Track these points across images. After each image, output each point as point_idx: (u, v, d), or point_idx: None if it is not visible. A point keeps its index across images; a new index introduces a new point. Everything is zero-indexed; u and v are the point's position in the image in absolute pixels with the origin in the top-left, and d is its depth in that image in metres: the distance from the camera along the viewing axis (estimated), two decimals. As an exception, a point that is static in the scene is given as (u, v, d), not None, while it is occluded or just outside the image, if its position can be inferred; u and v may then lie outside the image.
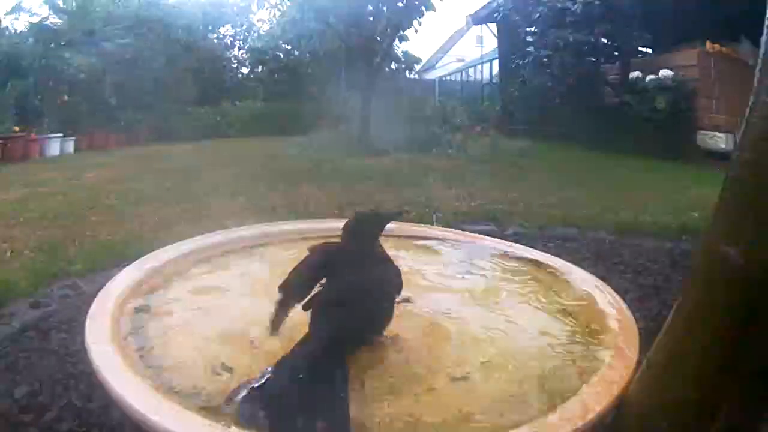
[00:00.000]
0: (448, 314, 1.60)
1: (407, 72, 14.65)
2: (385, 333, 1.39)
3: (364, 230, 1.47)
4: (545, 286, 1.83)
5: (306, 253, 1.43)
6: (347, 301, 1.30)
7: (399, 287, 1.43)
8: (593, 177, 6.17)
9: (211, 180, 5.56)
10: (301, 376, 1.10)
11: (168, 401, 1.07)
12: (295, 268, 1.38)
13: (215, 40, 13.95)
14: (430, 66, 21.03)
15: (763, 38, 1.02)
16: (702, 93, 7.94)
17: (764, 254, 1.00)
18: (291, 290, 1.33)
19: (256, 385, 1.09)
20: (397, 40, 9.95)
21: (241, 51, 14.40)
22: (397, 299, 1.45)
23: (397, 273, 1.45)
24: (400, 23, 8.62)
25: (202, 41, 13.03)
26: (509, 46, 10.90)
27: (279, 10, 13.28)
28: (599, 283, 1.76)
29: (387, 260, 1.47)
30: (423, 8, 8.31)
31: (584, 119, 8.58)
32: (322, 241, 1.53)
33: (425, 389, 1.23)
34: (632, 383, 1.18)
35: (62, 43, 10.36)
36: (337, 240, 1.47)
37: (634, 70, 8.69)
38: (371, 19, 8.74)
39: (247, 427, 0.99)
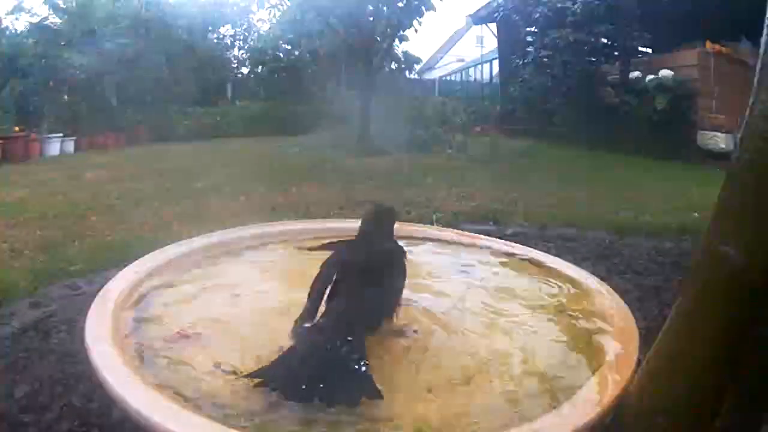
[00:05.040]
0: (446, 314, 1.60)
1: (407, 72, 14.64)
2: (394, 320, 1.43)
3: (379, 223, 1.57)
4: (545, 286, 1.83)
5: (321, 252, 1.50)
6: (359, 282, 1.38)
7: (405, 273, 1.49)
8: (593, 177, 6.17)
9: (211, 180, 5.56)
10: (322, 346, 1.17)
11: (168, 401, 1.07)
12: (318, 273, 1.44)
13: (215, 40, 13.95)
14: (430, 66, 21.02)
15: (763, 38, 1.02)
16: (702, 93, 7.94)
17: (764, 254, 1.00)
18: (315, 292, 1.39)
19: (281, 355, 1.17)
20: (397, 40, 9.94)
21: (241, 51, 14.41)
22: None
23: (403, 253, 1.53)
24: (400, 23, 8.63)
25: (202, 41, 13.01)
26: (509, 46, 10.91)
27: (279, 10, 13.27)
28: (599, 283, 1.76)
29: (395, 249, 1.54)
30: (423, 8, 8.32)
31: (584, 119, 8.59)
32: (338, 240, 1.59)
33: (423, 388, 1.23)
34: (632, 383, 1.18)
35: (62, 43, 10.36)
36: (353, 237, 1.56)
37: (634, 70, 8.69)
38: (371, 19, 8.74)
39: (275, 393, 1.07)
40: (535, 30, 9.39)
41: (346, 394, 1.08)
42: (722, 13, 7.30)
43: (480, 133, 10.38)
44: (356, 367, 1.13)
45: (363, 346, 1.20)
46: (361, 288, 1.37)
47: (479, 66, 15.99)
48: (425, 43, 31.38)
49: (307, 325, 1.29)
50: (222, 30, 14.13)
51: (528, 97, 9.78)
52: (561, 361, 1.36)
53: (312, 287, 1.40)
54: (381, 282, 1.41)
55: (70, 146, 9.08)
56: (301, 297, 1.62)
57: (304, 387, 1.08)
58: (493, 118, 11.47)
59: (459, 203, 4.57)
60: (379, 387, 1.12)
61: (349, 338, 1.20)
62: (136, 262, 1.77)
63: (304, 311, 1.35)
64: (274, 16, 13.65)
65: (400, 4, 8.46)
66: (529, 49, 9.44)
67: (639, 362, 1.24)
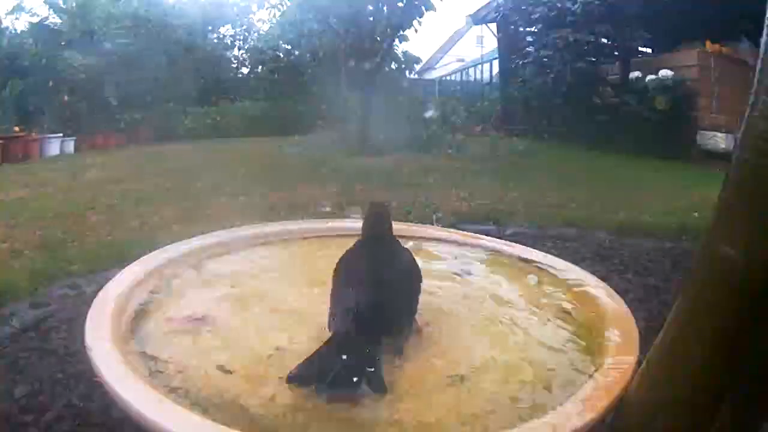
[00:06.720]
0: (447, 314, 1.60)
1: (407, 72, 14.63)
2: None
3: (382, 220, 1.58)
4: (545, 287, 1.83)
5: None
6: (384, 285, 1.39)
7: (420, 276, 1.53)
8: (593, 177, 6.17)
9: (211, 180, 5.56)
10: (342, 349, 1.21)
11: (168, 401, 1.07)
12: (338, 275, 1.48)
13: (215, 40, 13.94)
14: (430, 66, 21.00)
15: (763, 38, 1.01)
16: (702, 93, 7.94)
17: (764, 254, 1.00)
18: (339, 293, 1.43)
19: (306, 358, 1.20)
20: (397, 40, 9.93)
21: (241, 51, 14.40)
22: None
23: (415, 263, 1.56)
24: (400, 23, 8.61)
25: (202, 41, 13.02)
26: (509, 46, 10.91)
27: (279, 10, 13.29)
28: (599, 283, 1.76)
29: (405, 250, 1.58)
30: (423, 8, 8.30)
31: (584, 119, 8.59)
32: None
33: (424, 389, 1.23)
34: (632, 383, 1.18)
35: (62, 43, 10.37)
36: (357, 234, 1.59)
37: (634, 70, 8.69)
38: (371, 19, 8.74)
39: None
40: (535, 30, 9.39)
41: (353, 388, 1.13)
42: (722, 13, 7.30)
43: (480, 133, 10.38)
44: (368, 362, 1.18)
45: (377, 344, 1.25)
46: (375, 286, 1.39)
47: (479, 66, 15.97)
48: (425, 43, 31.39)
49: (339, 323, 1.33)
50: (222, 30, 14.13)
51: (528, 97, 9.78)
52: (561, 361, 1.36)
53: (333, 288, 1.43)
54: (406, 285, 1.45)
55: (70, 146, 9.08)
56: (302, 294, 1.62)
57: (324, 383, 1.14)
58: (493, 118, 11.47)
59: (459, 203, 4.57)
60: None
61: (364, 337, 1.24)
62: (136, 261, 1.77)
63: (332, 312, 1.39)
64: (274, 16, 13.68)
65: (400, 4, 8.45)
66: (529, 49, 9.44)
67: (639, 362, 1.24)
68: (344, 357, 1.17)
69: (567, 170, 6.61)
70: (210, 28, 13.64)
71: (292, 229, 2.33)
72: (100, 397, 1.52)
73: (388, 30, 8.74)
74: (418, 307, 1.48)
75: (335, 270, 1.47)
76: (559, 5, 8.67)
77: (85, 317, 1.36)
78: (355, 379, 1.13)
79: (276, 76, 13.28)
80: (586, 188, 5.37)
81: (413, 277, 1.50)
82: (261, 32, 14.17)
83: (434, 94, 14.52)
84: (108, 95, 10.12)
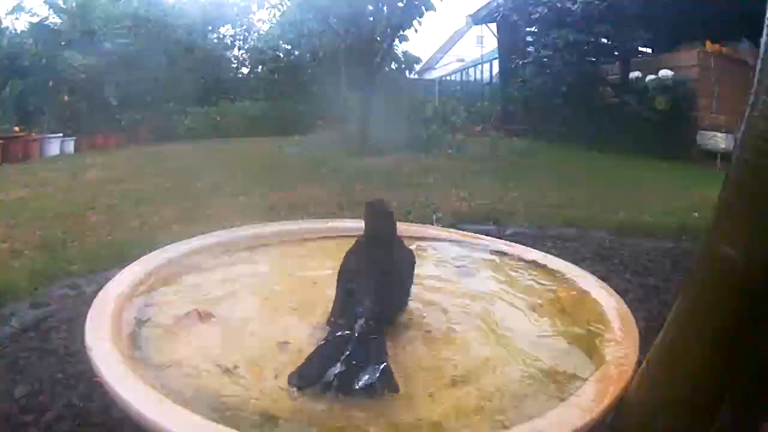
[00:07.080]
0: (447, 314, 1.60)
1: (407, 72, 14.64)
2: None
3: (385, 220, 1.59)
4: (545, 287, 1.83)
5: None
6: (377, 281, 1.41)
7: (413, 265, 1.57)
8: (593, 177, 6.17)
9: (211, 180, 5.56)
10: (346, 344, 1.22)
11: (168, 401, 1.07)
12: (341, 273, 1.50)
13: (215, 40, 13.94)
14: (430, 66, 20.99)
15: (763, 38, 1.01)
16: (702, 93, 7.94)
17: (764, 254, 1.00)
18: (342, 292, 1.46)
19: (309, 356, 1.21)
20: (397, 40, 9.94)
21: (241, 51, 14.40)
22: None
23: (411, 254, 1.60)
24: (400, 23, 8.61)
25: (202, 41, 13.01)
26: (509, 46, 10.90)
27: (279, 10, 13.29)
28: (599, 283, 1.76)
29: (401, 243, 1.61)
30: (423, 8, 8.30)
31: (584, 119, 8.58)
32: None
33: (424, 389, 1.23)
34: (632, 383, 1.18)
35: (62, 43, 10.38)
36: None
37: (634, 70, 8.69)
38: (371, 19, 8.73)
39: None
40: (535, 30, 9.39)
41: (368, 387, 1.14)
42: (722, 13, 7.30)
43: (480, 133, 10.38)
44: (377, 362, 1.19)
45: (383, 344, 1.27)
46: (380, 287, 1.41)
47: (479, 66, 15.96)
48: (425, 43, 31.38)
49: (340, 322, 1.34)
50: (222, 30, 14.12)
51: (528, 97, 9.78)
52: (561, 361, 1.36)
53: (338, 287, 1.44)
54: (397, 281, 1.48)
55: (70, 146, 9.08)
56: (303, 293, 1.62)
57: (329, 382, 1.14)
58: (493, 118, 11.47)
59: (459, 203, 4.57)
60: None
61: (372, 336, 1.25)
62: (136, 261, 1.77)
63: (334, 311, 1.41)
64: (274, 16, 13.68)
65: (400, 4, 8.44)
66: (529, 49, 9.44)
67: (639, 362, 1.24)
68: (349, 356, 1.17)
69: (567, 170, 6.61)
70: (210, 28, 13.63)
71: (292, 229, 2.34)
72: (100, 397, 1.52)
73: (388, 30, 8.74)
74: (419, 310, 1.49)
75: (339, 270, 1.48)
76: (559, 5, 8.67)
77: (85, 317, 1.36)
78: (366, 377, 1.13)
79: (276, 76, 13.27)
80: (586, 188, 5.37)
81: (411, 269, 1.55)
82: (261, 32, 14.16)
83: (434, 94, 14.50)
84: (108, 95, 10.11)
